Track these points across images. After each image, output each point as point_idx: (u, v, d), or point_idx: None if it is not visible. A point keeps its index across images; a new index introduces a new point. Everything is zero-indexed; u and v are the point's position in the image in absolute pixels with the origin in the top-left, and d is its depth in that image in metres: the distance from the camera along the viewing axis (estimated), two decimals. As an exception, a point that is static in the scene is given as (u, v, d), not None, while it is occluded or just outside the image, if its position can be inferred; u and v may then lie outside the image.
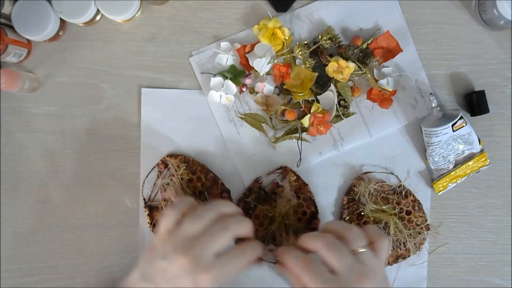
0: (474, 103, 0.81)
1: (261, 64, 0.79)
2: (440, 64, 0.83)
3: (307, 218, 0.82)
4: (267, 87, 0.80)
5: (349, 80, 0.80)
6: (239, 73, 0.81)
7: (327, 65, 0.79)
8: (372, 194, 0.81)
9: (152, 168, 0.83)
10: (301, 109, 0.81)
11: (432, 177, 0.83)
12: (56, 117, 0.84)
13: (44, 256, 0.84)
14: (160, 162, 0.82)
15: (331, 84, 0.80)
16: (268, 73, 0.81)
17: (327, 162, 0.83)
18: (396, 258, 0.82)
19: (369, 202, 0.80)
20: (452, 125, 0.77)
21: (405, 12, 0.83)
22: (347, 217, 0.82)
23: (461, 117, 0.78)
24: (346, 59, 0.79)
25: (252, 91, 0.81)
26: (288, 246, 0.72)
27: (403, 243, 0.81)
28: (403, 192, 0.82)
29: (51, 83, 0.84)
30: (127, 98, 0.83)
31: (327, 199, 0.84)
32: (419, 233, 0.82)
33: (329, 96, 0.80)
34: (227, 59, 0.81)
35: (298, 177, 0.83)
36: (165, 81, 0.83)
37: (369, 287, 0.64)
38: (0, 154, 0.84)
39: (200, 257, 0.65)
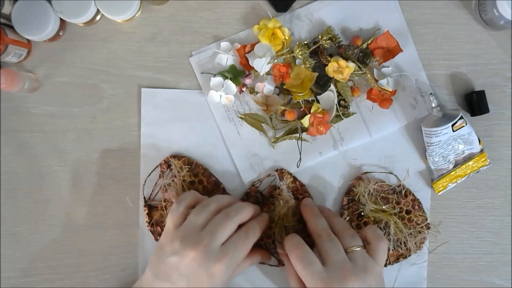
0: (474, 103, 0.81)
1: (261, 64, 0.79)
2: (440, 64, 0.83)
3: None
4: (267, 87, 0.80)
5: (349, 80, 0.80)
6: (239, 73, 0.81)
7: (327, 65, 0.78)
8: (372, 194, 0.81)
9: (155, 168, 0.83)
10: (301, 109, 0.81)
11: (432, 177, 0.83)
12: (56, 117, 0.84)
13: (44, 256, 0.84)
14: (163, 162, 0.82)
15: (331, 84, 0.80)
16: (268, 73, 0.81)
17: (327, 162, 0.83)
18: (397, 257, 0.82)
19: (368, 202, 0.80)
20: (452, 125, 0.77)
21: (405, 12, 0.83)
22: (347, 218, 0.82)
23: (461, 117, 0.78)
24: (346, 59, 0.79)
25: (252, 91, 0.81)
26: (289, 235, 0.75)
27: (404, 242, 0.81)
28: (403, 192, 0.82)
29: (51, 83, 0.84)
30: (127, 98, 0.83)
31: (327, 200, 0.84)
32: (420, 232, 0.82)
33: (329, 96, 0.80)
34: (227, 59, 0.81)
35: (295, 179, 0.83)
36: (165, 81, 0.83)
37: (355, 286, 0.66)
38: (0, 154, 0.84)
39: (209, 248, 0.68)
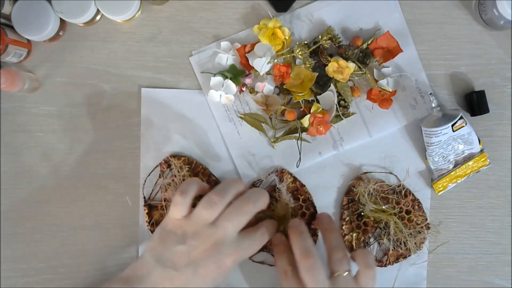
0: (474, 103, 0.81)
1: (261, 63, 0.79)
2: (440, 64, 0.83)
3: (307, 219, 0.82)
4: (267, 86, 0.80)
5: (349, 80, 0.80)
6: (239, 73, 0.81)
7: (327, 65, 0.78)
8: (372, 194, 0.81)
9: (155, 168, 0.83)
10: (301, 109, 0.81)
11: (432, 177, 0.83)
12: (56, 117, 0.84)
13: (44, 256, 0.84)
14: (163, 161, 0.82)
15: (331, 84, 0.80)
16: (268, 73, 0.81)
17: (326, 162, 0.83)
18: (397, 257, 0.82)
19: (368, 202, 0.80)
20: (452, 125, 0.77)
21: (405, 12, 0.83)
22: (347, 218, 0.82)
23: (461, 117, 0.78)
24: (346, 59, 0.79)
25: (252, 90, 0.81)
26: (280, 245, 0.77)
27: (404, 242, 0.81)
28: (403, 192, 0.82)
29: (51, 83, 0.84)
30: (127, 98, 0.83)
31: (326, 200, 0.84)
32: (419, 232, 0.82)
33: (329, 96, 0.80)
34: (227, 59, 0.81)
35: (295, 179, 0.83)
36: (165, 81, 0.83)
37: None
38: (0, 154, 0.84)
39: (223, 242, 0.69)
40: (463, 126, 0.78)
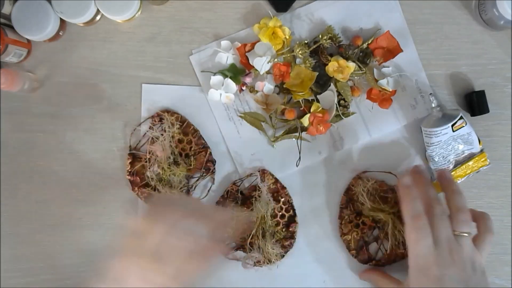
0: (474, 103, 0.81)
1: (261, 63, 0.79)
2: (440, 64, 0.83)
3: (285, 222, 0.82)
4: (267, 86, 0.80)
5: (349, 79, 0.80)
6: (239, 72, 0.81)
7: (327, 64, 0.79)
8: (371, 193, 0.81)
9: (146, 119, 0.83)
10: (301, 109, 0.81)
11: (432, 178, 0.83)
12: (56, 117, 0.84)
13: (44, 256, 0.84)
14: (156, 115, 0.82)
15: (331, 84, 0.80)
16: (268, 72, 0.81)
17: (326, 161, 0.83)
18: (395, 257, 0.82)
19: (367, 201, 0.80)
20: (452, 125, 0.77)
21: (406, 12, 0.83)
22: (346, 217, 0.82)
23: (461, 117, 0.78)
24: (346, 58, 0.79)
25: (252, 90, 0.81)
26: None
27: (402, 242, 0.81)
28: None
29: (51, 83, 0.84)
30: (127, 98, 0.83)
31: (325, 199, 0.84)
32: None
33: (329, 95, 0.80)
34: (227, 58, 0.81)
35: (276, 180, 0.83)
36: (165, 81, 0.83)
37: (460, 275, 0.64)
38: (0, 154, 0.84)
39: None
40: (463, 126, 0.78)
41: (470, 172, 0.81)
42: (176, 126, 0.81)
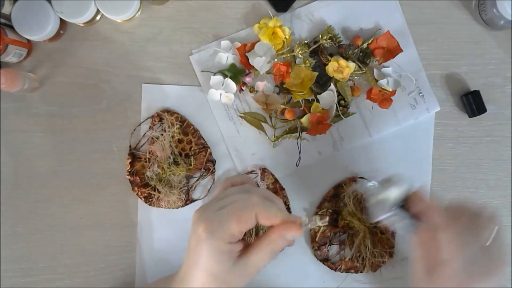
0: (471, 104, 0.81)
1: (261, 63, 0.79)
2: (440, 64, 0.83)
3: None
4: (267, 86, 0.80)
5: (349, 79, 0.80)
6: (239, 72, 0.81)
7: (327, 64, 0.79)
8: (357, 199, 0.81)
9: (147, 119, 0.83)
10: (301, 109, 0.81)
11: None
12: (56, 117, 0.84)
13: (44, 256, 0.84)
14: (156, 115, 0.83)
15: (331, 84, 0.80)
16: (268, 72, 0.81)
17: (326, 161, 0.83)
18: (349, 268, 0.82)
19: (350, 204, 0.80)
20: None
21: (406, 12, 0.83)
22: (324, 209, 0.82)
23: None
24: (346, 58, 0.79)
25: (252, 90, 0.81)
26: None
27: (363, 257, 0.81)
28: None
29: (51, 83, 0.84)
30: (127, 98, 0.83)
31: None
32: (381, 256, 0.81)
33: (329, 95, 0.80)
34: (227, 58, 0.81)
35: (276, 180, 0.83)
36: (165, 81, 0.83)
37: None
38: (0, 154, 0.84)
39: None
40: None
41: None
42: (176, 126, 0.81)
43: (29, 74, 0.82)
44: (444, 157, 0.83)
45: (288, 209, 0.83)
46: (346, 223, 0.81)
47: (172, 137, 0.82)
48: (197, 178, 0.83)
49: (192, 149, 0.82)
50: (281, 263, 0.82)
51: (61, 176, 0.84)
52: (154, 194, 0.81)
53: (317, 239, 0.82)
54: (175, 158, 0.82)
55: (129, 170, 0.82)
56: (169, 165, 0.81)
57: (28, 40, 0.82)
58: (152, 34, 0.84)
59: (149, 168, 0.81)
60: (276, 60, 0.80)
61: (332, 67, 0.78)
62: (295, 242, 0.80)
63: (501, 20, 0.79)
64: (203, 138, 0.83)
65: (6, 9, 0.78)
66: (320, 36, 0.80)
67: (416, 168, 0.83)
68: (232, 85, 0.80)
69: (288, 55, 0.80)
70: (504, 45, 0.83)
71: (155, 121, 0.82)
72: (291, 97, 0.81)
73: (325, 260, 0.82)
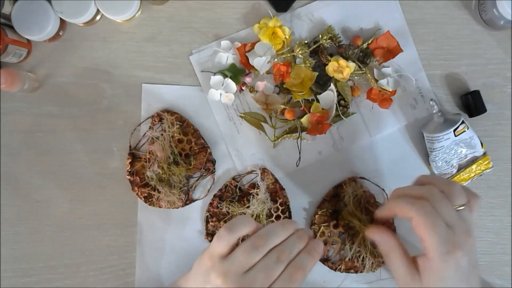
0: (471, 104, 0.81)
1: (261, 63, 0.79)
2: (440, 64, 0.83)
3: None
4: (267, 86, 0.80)
5: (349, 79, 0.80)
6: (239, 72, 0.81)
7: (327, 64, 0.79)
8: (358, 199, 0.81)
9: (147, 119, 0.83)
10: (301, 109, 0.81)
11: None
12: (56, 117, 0.84)
13: (44, 256, 0.84)
14: (156, 115, 0.83)
15: (331, 84, 0.80)
16: (268, 72, 0.81)
17: (326, 161, 0.83)
18: (348, 268, 0.82)
19: (350, 204, 0.80)
20: (454, 130, 0.77)
21: (406, 12, 0.83)
22: (324, 209, 0.82)
23: (463, 122, 0.78)
24: (346, 58, 0.79)
25: (252, 90, 0.81)
26: (375, 226, 0.72)
27: (363, 257, 0.80)
28: None
29: (51, 83, 0.84)
30: (127, 98, 0.83)
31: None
32: (381, 256, 0.80)
33: (329, 95, 0.80)
34: (227, 58, 0.81)
35: (276, 180, 0.83)
36: (165, 81, 0.83)
37: (470, 246, 0.64)
38: (0, 154, 0.83)
39: None
40: (465, 131, 0.78)
41: (474, 176, 0.81)
42: (176, 126, 0.81)
43: (29, 74, 0.82)
44: (444, 157, 0.83)
45: (288, 209, 0.83)
46: (346, 223, 0.81)
47: (172, 137, 0.82)
48: (197, 178, 0.83)
49: (192, 149, 0.82)
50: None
51: (61, 176, 0.84)
52: (154, 194, 0.81)
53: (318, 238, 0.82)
54: (175, 158, 0.82)
55: (129, 170, 0.82)
56: (169, 165, 0.81)
57: (28, 40, 0.82)
58: (152, 34, 0.84)
59: (149, 168, 0.81)
60: (276, 60, 0.80)
61: (332, 67, 0.78)
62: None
63: (501, 20, 0.79)
64: (203, 138, 0.83)
65: (6, 9, 0.78)
66: (320, 36, 0.80)
67: (416, 168, 0.83)
68: (232, 85, 0.80)
69: (288, 55, 0.80)
70: (504, 45, 0.83)
71: (155, 121, 0.82)
72: (291, 97, 0.81)
73: (325, 260, 0.82)
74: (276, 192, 0.82)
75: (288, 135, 0.81)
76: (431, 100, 0.80)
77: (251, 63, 0.80)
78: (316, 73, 0.79)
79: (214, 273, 0.63)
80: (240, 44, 0.81)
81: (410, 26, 0.83)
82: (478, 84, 0.83)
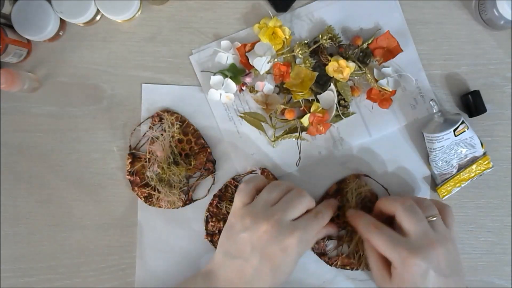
0: (471, 104, 0.81)
1: (261, 63, 0.79)
2: (440, 64, 0.83)
3: None
4: (267, 86, 0.80)
5: (349, 79, 0.80)
6: (239, 72, 0.81)
7: (327, 64, 0.78)
8: (360, 196, 0.81)
9: (147, 119, 0.83)
10: (301, 109, 0.81)
11: (436, 182, 0.83)
12: (56, 117, 0.84)
13: (44, 256, 0.84)
14: (156, 115, 0.83)
15: (331, 84, 0.80)
16: (268, 72, 0.81)
17: (326, 161, 0.83)
18: (345, 265, 0.82)
19: (353, 201, 0.80)
20: (454, 130, 0.77)
21: (406, 12, 0.83)
22: None
23: (463, 122, 0.78)
24: (346, 58, 0.79)
25: (252, 90, 0.81)
26: (356, 212, 0.77)
27: (360, 255, 0.81)
28: None
29: (51, 83, 0.84)
30: (127, 98, 0.83)
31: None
32: None
33: (329, 95, 0.80)
34: (227, 58, 0.81)
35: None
36: (165, 81, 0.83)
37: (440, 252, 0.67)
38: (0, 154, 0.84)
39: (281, 221, 0.68)
40: (465, 131, 0.78)
41: (474, 176, 0.81)
42: (176, 126, 0.81)
43: (29, 74, 0.82)
44: (444, 157, 0.83)
45: None
46: (346, 220, 0.81)
47: (172, 137, 0.82)
48: (197, 178, 0.83)
49: (192, 149, 0.82)
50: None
51: (61, 176, 0.84)
52: (154, 194, 0.81)
53: None
54: (175, 158, 0.82)
55: (129, 170, 0.82)
56: (169, 165, 0.81)
57: (28, 40, 0.82)
58: (152, 34, 0.84)
59: (149, 168, 0.81)
60: (276, 60, 0.80)
61: (332, 67, 0.78)
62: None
63: (501, 20, 0.78)
64: (203, 138, 0.83)
65: (6, 9, 0.78)
66: (320, 36, 0.80)
67: (416, 168, 0.83)
68: (232, 85, 0.80)
69: (288, 55, 0.80)
70: (504, 45, 0.83)
71: (155, 121, 0.82)
72: (291, 97, 0.81)
73: (322, 255, 0.82)
74: (276, 192, 0.82)
75: (288, 135, 0.81)
76: (431, 100, 0.80)
77: (251, 63, 0.80)
78: (316, 73, 0.79)
79: (243, 217, 0.70)
80: (240, 44, 0.81)
81: (410, 26, 0.83)
82: (478, 84, 0.83)
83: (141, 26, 0.84)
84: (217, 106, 0.83)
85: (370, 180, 0.83)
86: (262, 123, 0.82)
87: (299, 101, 0.80)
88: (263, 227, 0.67)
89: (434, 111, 0.79)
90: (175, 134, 0.82)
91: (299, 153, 0.81)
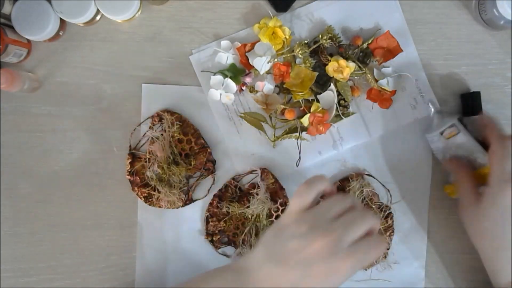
0: (468, 104, 0.81)
1: (261, 63, 0.79)
2: (440, 64, 0.83)
3: None
4: (267, 86, 0.80)
5: (349, 79, 0.80)
6: (239, 72, 0.81)
7: (327, 64, 0.79)
8: (362, 196, 0.81)
9: (147, 119, 0.83)
10: (301, 109, 0.81)
11: (449, 180, 0.82)
12: (56, 117, 0.84)
13: (44, 256, 0.84)
14: (156, 115, 0.83)
15: (331, 84, 0.80)
16: (268, 72, 0.81)
17: (326, 161, 0.83)
18: None
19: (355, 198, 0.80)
20: (441, 133, 0.77)
21: (406, 12, 0.83)
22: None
23: (452, 125, 0.77)
24: (346, 58, 0.79)
25: (252, 90, 0.81)
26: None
27: None
28: (386, 213, 0.82)
29: (51, 83, 0.84)
30: (127, 98, 0.83)
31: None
32: None
33: (329, 95, 0.80)
34: (227, 58, 0.81)
35: (276, 181, 0.83)
36: (165, 81, 0.83)
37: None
38: (0, 154, 0.84)
39: (340, 241, 0.61)
40: (456, 135, 0.77)
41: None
42: (176, 126, 0.81)
43: (29, 74, 0.82)
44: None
45: None
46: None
47: (172, 137, 0.82)
48: (197, 178, 0.83)
49: (192, 149, 0.82)
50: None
51: (61, 176, 0.84)
52: (154, 194, 0.81)
53: None
54: (175, 158, 0.82)
55: (129, 170, 0.82)
56: (169, 165, 0.81)
57: (28, 40, 0.82)
58: (152, 34, 0.84)
59: (149, 168, 0.81)
60: (276, 60, 0.80)
61: (332, 67, 0.78)
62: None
63: (501, 20, 0.79)
64: (203, 138, 0.83)
65: (6, 9, 0.78)
66: (320, 36, 0.80)
67: (416, 168, 0.83)
68: (232, 85, 0.80)
69: (288, 55, 0.80)
70: (504, 45, 0.83)
71: (155, 121, 0.82)
72: (291, 97, 0.81)
73: None
74: (276, 192, 0.82)
75: (288, 135, 0.81)
76: (429, 101, 0.80)
77: (251, 63, 0.80)
78: (316, 73, 0.79)
79: (299, 222, 0.64)
80: (240, 44, 0.81)
81: (410, 26, 0.83)
82: (478, 84, 0.83)
83: (141, 26, 0.84)
84: (217, 106, 0.83)
85: (371, 179, 0.83)
86: (262, 123, 0.82)
87: (299, 101, 0.80)
88: (319, 241, 0.61)
89: (431, 112, 0.79)
90: (175, 134, 0.82)
91: (299, 153, 0.81)
